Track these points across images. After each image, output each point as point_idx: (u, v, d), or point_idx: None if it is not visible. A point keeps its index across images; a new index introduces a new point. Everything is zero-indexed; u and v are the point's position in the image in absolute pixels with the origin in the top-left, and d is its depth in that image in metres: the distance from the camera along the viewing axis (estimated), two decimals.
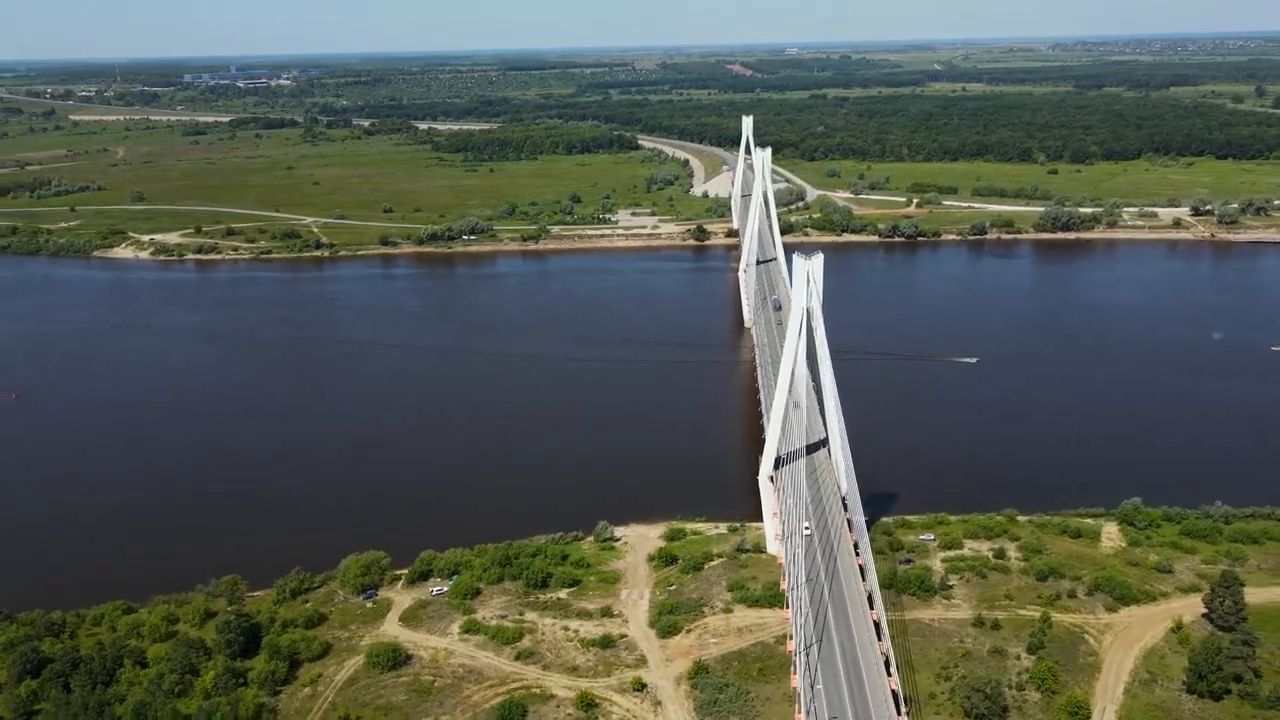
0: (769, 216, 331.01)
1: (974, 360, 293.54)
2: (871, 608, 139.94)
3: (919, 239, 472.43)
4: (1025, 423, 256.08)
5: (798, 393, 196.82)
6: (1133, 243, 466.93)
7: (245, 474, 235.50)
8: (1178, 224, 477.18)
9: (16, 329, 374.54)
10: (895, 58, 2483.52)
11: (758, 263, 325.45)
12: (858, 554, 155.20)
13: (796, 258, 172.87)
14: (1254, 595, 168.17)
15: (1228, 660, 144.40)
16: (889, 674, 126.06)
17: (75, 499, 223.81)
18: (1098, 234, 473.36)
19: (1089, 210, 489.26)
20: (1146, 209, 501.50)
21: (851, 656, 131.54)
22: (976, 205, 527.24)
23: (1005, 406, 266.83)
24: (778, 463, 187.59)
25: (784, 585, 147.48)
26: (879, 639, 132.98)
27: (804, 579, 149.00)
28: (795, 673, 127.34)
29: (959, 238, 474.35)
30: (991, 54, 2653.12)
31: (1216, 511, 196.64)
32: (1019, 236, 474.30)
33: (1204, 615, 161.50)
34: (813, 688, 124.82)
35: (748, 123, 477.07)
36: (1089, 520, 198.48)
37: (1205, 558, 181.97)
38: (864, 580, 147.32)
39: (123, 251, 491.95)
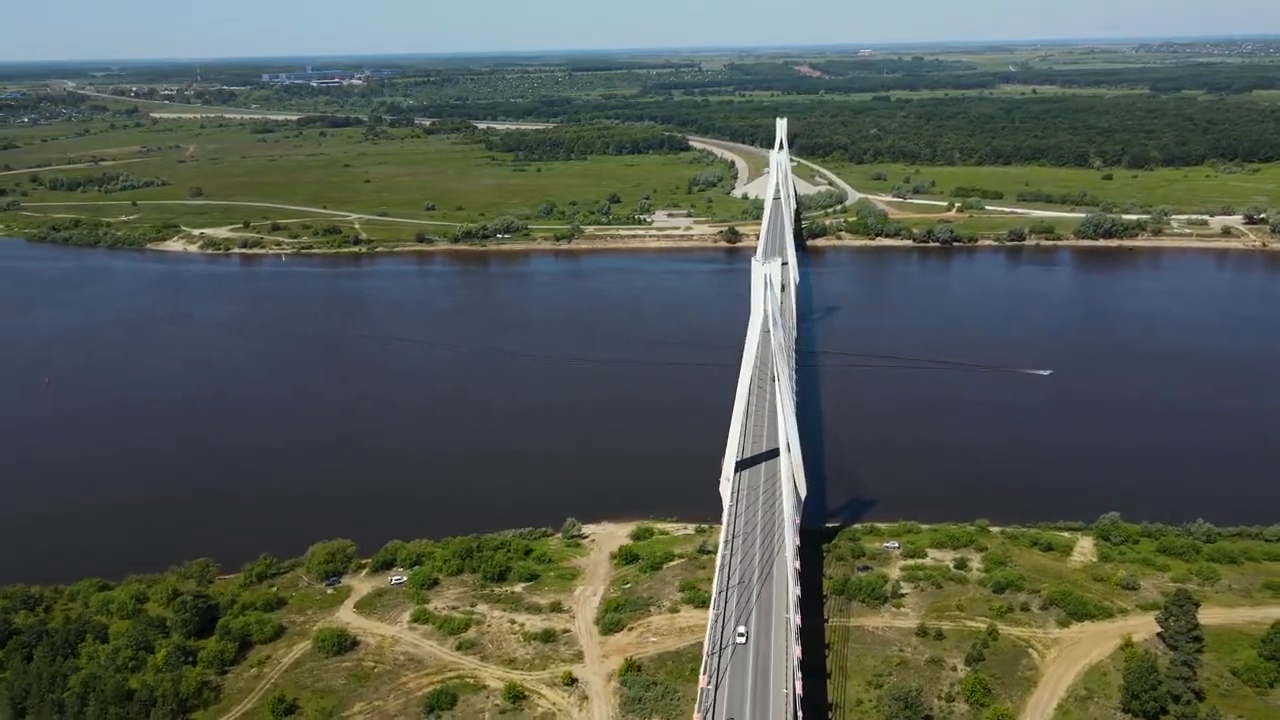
0: (782, 217, 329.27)
1: (1048, 373, 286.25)
2: (796, 613, 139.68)
3: (954, 244, 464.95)
4: (1047, 433, 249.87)
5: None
6: (1178, 251, 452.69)
7: (244, 464, 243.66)
8: (1227, 233, 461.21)
9: (65, 318, 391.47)
10: (970, 59, 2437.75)
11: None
12: (798, 559, 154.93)
13: (755, 262, 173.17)
14: (1218, 616, 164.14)
15: (1168, 679, 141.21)
16: (797, 678, 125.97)
17: (78, 482, 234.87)
18: (1141, 242, 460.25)
19: (1133, 217, 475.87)
20: (1197, 217, 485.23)
21: (764, 660, 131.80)
22: (1020, 211, 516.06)
23: (1037, 416, 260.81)
24: (747, 464, 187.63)
25: (714, 587, 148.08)
26: (795, 644, 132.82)
27: (736, 582, 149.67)
28: (703, 673, 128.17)
29: (996, 243, 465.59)
30: (1071, 55, 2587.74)
31: (1198, 529, 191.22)
32: (1058, 243, 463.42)
33: (1159, 634, 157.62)
34: (717, 689, 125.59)
35: (781, 125, 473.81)
36: (1065, 534, 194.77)
37: (1176, 575, 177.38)
38: (797, 586, 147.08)
39: (173, 245, 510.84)
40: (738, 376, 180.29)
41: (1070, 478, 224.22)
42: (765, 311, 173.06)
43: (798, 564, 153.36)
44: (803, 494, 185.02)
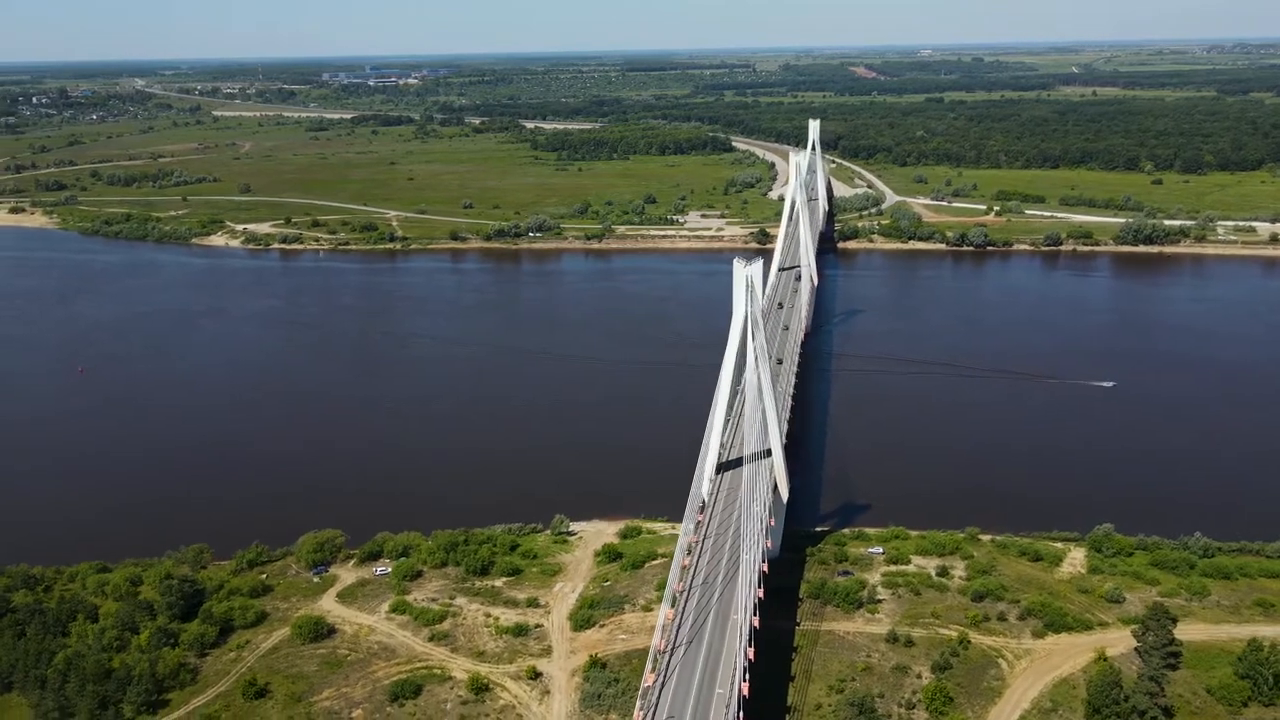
0: (802, 220, 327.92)
1: (1110, 384, 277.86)
2: (754, 615, 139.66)
3: (988, 249, 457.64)
4: (1079, 443, 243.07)
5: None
6: (1222, 259, 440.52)
7: (253, 455, 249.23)
8: (1275, 240, 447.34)
9: (108, 309, 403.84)
10: (1032, 60, 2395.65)
11: (782, 269, 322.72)
12: (764, 560, 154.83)
13: (736, 263, 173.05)
14: (1202, 632, 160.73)
15: (1135, 695, 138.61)
16: (744, 680, 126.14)
17: (93, 467, 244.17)
18: (1183, 248, 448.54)
19: (1176, 223, 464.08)
20: (1245, 223, 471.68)
21: (714, 661, 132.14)
22: (1060, 215, 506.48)
23: (1078, 426, 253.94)
24: (734, 465, 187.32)
25: (678, 586, 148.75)
26: (748, 646, 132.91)
27: (700, 582, 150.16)
28: (650, 671, 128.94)
29: (1031, 249, 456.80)
30: (1139, 56, 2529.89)
31: (1195, 543, 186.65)
32: (1096, 249, 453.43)
33: (1136, 649, 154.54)
34: (662, 688, 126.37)
35: (814, 126, 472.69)
36: (1057, 544, 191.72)
37: (1165, 590, 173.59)
38: (760, 588, 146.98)
39: (217, 240, 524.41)
40: (737, 378, 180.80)
41: (1089, 489, 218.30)
42: (745, 314, 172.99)
43: (764, 566, 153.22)
44: (785, 497, 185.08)
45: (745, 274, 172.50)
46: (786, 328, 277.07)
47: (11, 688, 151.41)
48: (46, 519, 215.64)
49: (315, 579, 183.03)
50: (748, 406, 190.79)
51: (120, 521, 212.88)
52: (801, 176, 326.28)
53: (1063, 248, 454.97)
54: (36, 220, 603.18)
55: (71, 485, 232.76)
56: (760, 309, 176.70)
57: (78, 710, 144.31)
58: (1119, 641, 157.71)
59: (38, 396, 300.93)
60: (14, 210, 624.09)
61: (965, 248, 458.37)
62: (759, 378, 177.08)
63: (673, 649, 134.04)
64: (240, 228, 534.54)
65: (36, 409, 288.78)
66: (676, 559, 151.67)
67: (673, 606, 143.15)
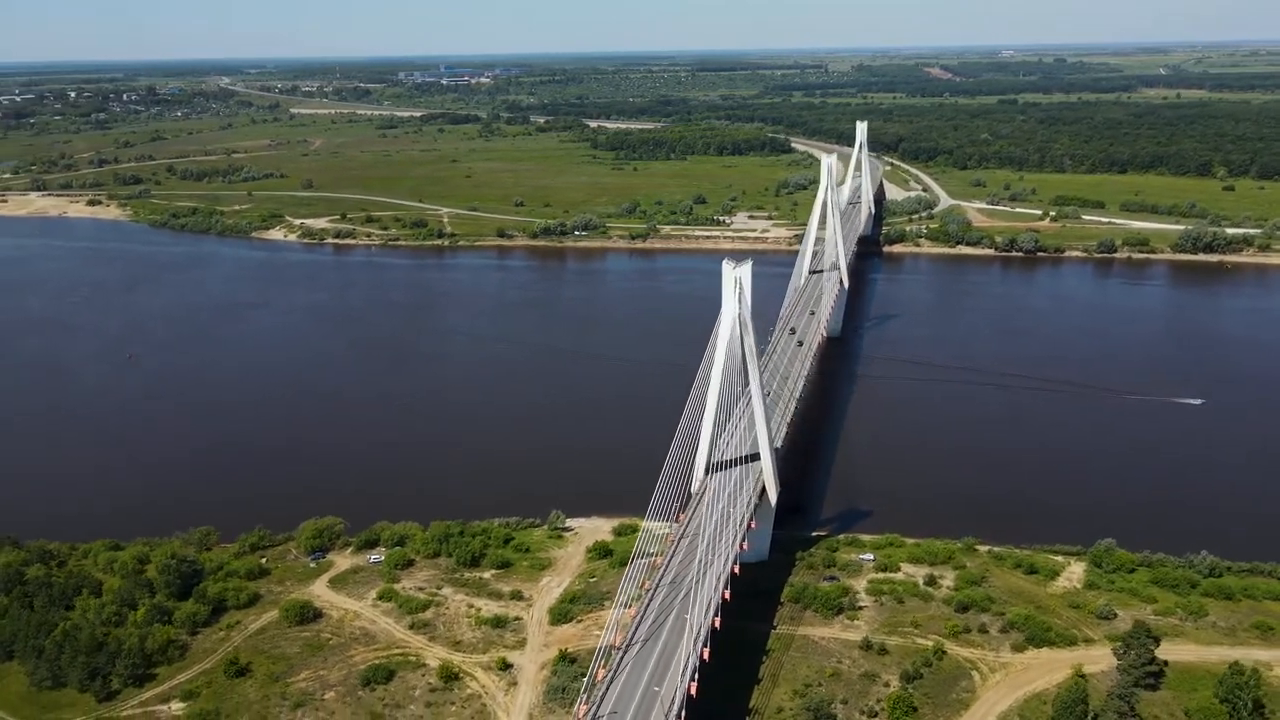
0: (832, 219, 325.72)
1: (1199, 402, 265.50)
2: (717, 614, 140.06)
3: (1039, 254, 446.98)
4: (1110, 459, 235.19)
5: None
6: None
7: (272, 444, 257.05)
8: None
9: (164, 299, 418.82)
10: (1118, 61, 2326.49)
11: (812, 271, 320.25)
12: (736, 562, 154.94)
13: (725, 264, 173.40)
14: (1191, 653, 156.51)
15: (1104, 712, 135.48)
16: (693, 680, 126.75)
17: (125, 448, 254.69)
18: (1245, 258, 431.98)
19: (1239, 231, 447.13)
20: None
21: (667, 659, 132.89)
22: (1118, 222, 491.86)
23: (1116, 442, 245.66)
24: (728, 465, 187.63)
25: (646, 584, 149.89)
26: (705, 646, 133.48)
27: (669, 580, 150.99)
28: (600, 667, 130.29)
29: (1084, 255, 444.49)
30: (1232, 57, 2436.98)
31: (1200, 561, 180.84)
32: (1152, 257, 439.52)
33: (1117, 666, 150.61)
34: (610, 684, 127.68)
35: (861, 128, 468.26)
36: (1058, 557, 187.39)
37: (1161, 608, 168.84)
38: (726, 589, 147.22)
39: (275, 234, 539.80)
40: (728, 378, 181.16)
41: (1106, 501, 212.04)
42: (734, 314, 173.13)
43: (736, 567, 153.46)
44: (773, 500, 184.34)
45: (735, 275, 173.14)
46: (813, 313, 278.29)
47: (13, 656, 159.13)
48: (72, 496, 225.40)
49: (312, 564, 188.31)
50: (740, 408, 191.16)
51: (140, 502, 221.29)
52: (834, 177, 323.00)
53: (1117, 255, 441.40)
54: (111, 212, 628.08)
55: (100, 465, 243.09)
56: (750, 310, 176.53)
57: (69, 680, 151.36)
58: (1103, 659, 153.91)
59: (89, 381, 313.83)
60: (91, 202, 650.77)
61: (1014, 253, 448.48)
62: (751, 380, 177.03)
63: (627, 646, 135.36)
64: (298, 222, 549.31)
65: (86, 392, 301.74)
66: (635, 558, 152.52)
67: (636, 604, 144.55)
